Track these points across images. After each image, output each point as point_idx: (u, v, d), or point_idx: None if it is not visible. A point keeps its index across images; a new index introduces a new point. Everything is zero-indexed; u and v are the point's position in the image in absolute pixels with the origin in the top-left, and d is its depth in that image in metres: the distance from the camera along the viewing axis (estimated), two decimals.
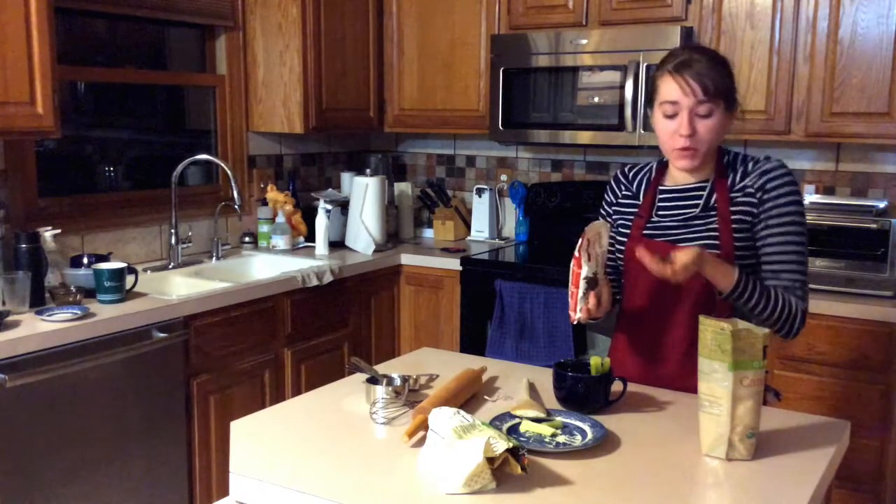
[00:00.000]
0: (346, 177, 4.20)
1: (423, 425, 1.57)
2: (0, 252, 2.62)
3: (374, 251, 3.70)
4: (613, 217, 2.07)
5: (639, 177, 2.05)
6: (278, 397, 3.13)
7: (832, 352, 2.88)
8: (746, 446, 1.54)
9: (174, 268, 3.31)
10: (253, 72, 3.75)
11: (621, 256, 2.02)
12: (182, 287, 3.13)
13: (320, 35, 3.67)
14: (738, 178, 1.89)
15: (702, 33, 3.27)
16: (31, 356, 2.33)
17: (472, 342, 3.57)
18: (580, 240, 1.81)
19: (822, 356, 2.90)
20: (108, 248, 3.19)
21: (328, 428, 1.72)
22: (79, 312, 2.51)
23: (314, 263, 3.41)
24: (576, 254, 1.82)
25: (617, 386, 1.81)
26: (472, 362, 2.11)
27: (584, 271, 1.81)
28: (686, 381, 1.85)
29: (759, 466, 1.53)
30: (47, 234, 2.79)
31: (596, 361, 1.79)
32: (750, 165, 1.90)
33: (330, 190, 4.19)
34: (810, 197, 3.28)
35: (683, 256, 1.69)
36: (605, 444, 1.60)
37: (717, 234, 1.87)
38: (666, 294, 1.91)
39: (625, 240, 2.00)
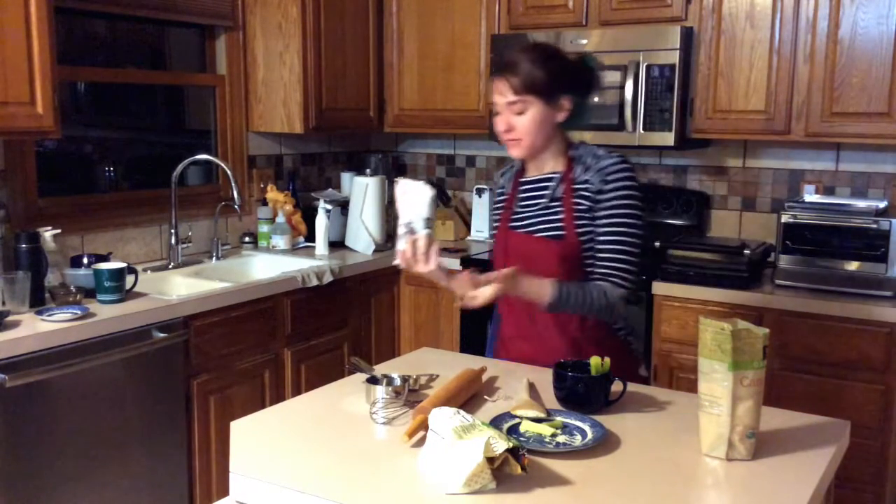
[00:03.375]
0: (346, 177, 4.20)
1: (423, 425, 1.57)
2: (0, 252, 2.62)
3: (374, 251, 3.69)
4: (500, 215, 2.20)
5: (506, 175, 2.23)
6: (278, 397, 3.13)
7: (832, 352, 2.88)
8: (746, 446, 1.54)
9: (174, 268, 3.31)
10: (253, 72, 3.75)
11: None
12: (182, 287, 3.13)
13: (320, 35, 3.67)
14: (580, 172, 2.02)
15: (702, 33, 3.26)
16: (31, 356, 2.33)
17: (472, 342, 3.57)
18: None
19: (822, 356, 2.90)
20: (108, 248, 3.19)
21: (328, 428, 1.72)
22: (79, 312, 2.51)
23: (314, 263, 3.41)
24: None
25: (617, 386, 1.81)
26: (472, 362, 2.11)
27: (400, 219, 1.95)
28: (561, 350, 1.99)
29: (759, 466, 1.53)
30: (47, 234, 2.79)
31: (596, 361, 1.79)
32: (590, 160, 2.02)
33: (330, 190, 4.19)
34: (810, 197, 3.29)
35: (487, 291, 1.84)
36: (605, 444, 1.60)
37: (562, 223, 2.01)
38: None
39: (495, 232, 2.19)
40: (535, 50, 2.02)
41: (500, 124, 2.03)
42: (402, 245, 1.96)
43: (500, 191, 2.23)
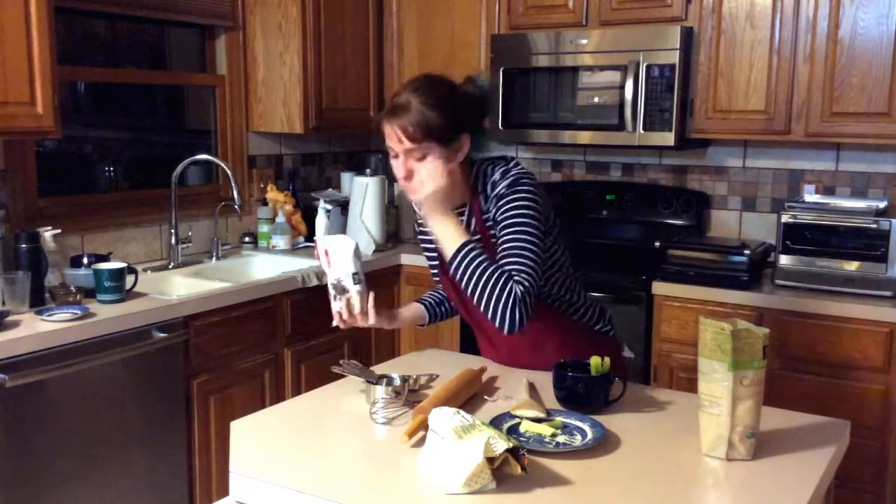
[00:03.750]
0: (346, 177, 4.20)
1: (423, 425, 1.57)
2: (0, 252, 2.62)
3: (374, 251, 3.69)
4: (430, 250, 2.10)
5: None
6: (278, 397, 3.13)
7: (832, 352, 2.88)
8: (746, 446, 1.54)
9: (174, 268, 3.31)
10: (253, 72, 3.75)
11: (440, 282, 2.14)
12: (182, 287, 3.13)
13: (320, 35, 3.67)
14: (483, 202, 1.94)
15: (702, 33, 3.26)
16: (31, 356, 2.33)
17: (472, 342, 3.56)
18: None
19: (822, 356, 2.90)
20: (108, 248, 3.19)
21: (328, 428, 1.72)
22: (79, 312, 2.51)
23: (314, 263, 3.40)
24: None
25: (617, 386, 1.81)
26: (472, 362, 2.11)
27: (327, 278, 1.92)
28: (527, 361, 2.04)
29: (759, 466, 1.53)
30: (47, 234, 2.79)
31: (596, 361, 1.79)
32: (489, 189, 1.91)
33: (330, 190, 4.19)
34: (810, 197, 3.29)
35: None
36: (605, 444, 1.60)
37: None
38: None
39: (437, 269, 2.09)
40: (425, 91, 1.84)
41: (399, 170, 1.86)
42: (336, 307, 1.92)
43: (421, 225, 2.11)
